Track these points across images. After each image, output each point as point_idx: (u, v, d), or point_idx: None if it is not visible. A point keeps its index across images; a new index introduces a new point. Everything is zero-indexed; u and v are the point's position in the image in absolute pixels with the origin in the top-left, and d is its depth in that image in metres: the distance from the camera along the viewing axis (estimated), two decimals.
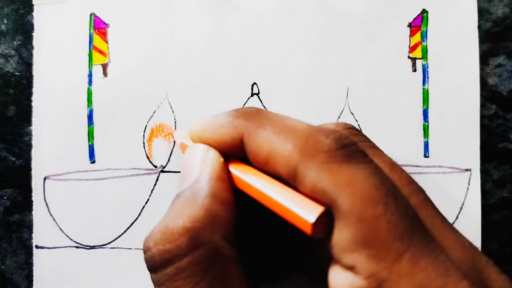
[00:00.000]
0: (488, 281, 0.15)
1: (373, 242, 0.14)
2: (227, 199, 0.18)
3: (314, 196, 0.15)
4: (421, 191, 0.17)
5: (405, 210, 0.15)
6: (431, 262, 0.14)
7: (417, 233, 0.14)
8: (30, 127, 0.33)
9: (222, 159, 0.19)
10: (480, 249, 0.33)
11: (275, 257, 0.22)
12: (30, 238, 0.34)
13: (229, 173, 0.19)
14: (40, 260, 0.33)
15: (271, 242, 0.22)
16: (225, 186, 0.18)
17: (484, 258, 0.16)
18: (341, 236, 0.14)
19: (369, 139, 0.20)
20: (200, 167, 0.18)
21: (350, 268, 0.14)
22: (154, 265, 0.16)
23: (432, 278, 0.14)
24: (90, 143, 0.33)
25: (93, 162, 0.33)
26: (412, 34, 0.33)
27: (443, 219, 0.17)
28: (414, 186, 0.17)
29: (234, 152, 0.18)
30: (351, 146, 0.16)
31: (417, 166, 0.33)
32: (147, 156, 0.33)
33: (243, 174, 0.18)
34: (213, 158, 0.19)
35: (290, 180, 0.16)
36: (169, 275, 0.16)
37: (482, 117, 0.33)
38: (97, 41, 0.33)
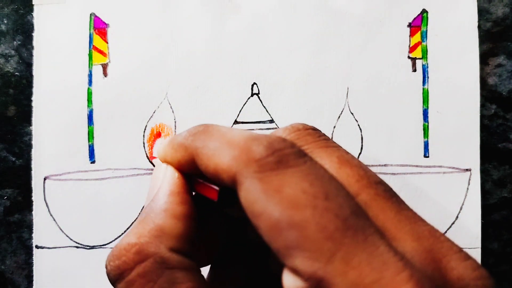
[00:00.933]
0: (447, 270, 0.15)
1: (305, 245, 0.14)
2: (178, 212, 0.19)
3: (246, 208, 0.16)
4: (376, 184, 0.17)
5: (338, 210, 0.15)
6: (366, 258, 0.14)
7: (350, 230, 0.14)
8: (30, 127, 0.33)
9: (177, 174, 0.20)
10: (480, 249, 0.33)
11: (243, 267, 0.23)
12: (30, 238, 0.34)
13: (190, 186, 0.20)
14: (40, 260, 0.33)
15: (239, 253, 0.23)
16: (178, 199, 0.19)
17: (446, 244, 0.16)
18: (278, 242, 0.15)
19: (321, 136, 0.20)
20: (159, 186, 0.20)
21: (294, 271, 0.15)
22: (111, 281, 0.18)
23: (366, 273, 0.14)
24: (90, 143, 0.33)
25: (93, 162, 0.33)
26: (412, 34, 0.33)
27: (400, 209, 0.17)
28: (365, 180, 0.17)
29: (194, 171, 0.19)
30: (283, 150, 0.16)
31: (417, 166, 0.33)
32: (147, 156, 0.33)
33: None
34: (169, 174, 0.20)
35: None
36: None
37: (482, 117, 0.33)
38: (97, 41, 0.33)
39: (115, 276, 0.18)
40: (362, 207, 0.16)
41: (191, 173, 0.20)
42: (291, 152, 0.16)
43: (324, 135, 0.20)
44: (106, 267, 0.18)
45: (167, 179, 0.20)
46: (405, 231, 0.16)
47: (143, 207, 0.33)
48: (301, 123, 0.20)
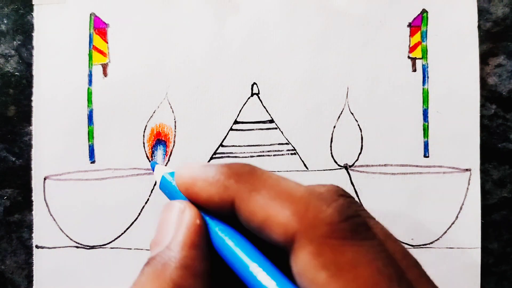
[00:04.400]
0: None
1: None
2: (199, 269, 0.17)
3: (306, 272, 0.14)
4: (416, 265, 0.17)
5: None
6: None
7: None
8: (30, 127, 0.33)
9: (198, 222, 0.18)
10: (480, 249, 0.33)
11: None
12: (30, 238, 0.34)
13: (206, 235, 0.18)
14: (40, 260, 0.33)
15: None
16: (199, 254, 0.17)
17: None
18: None
19: (360, 205, 0.19)
20: (174, 231, 0.18)
21: None
22: None
23: None
24: (90, 143, 0.33)
25: (93, 162, 0.33)
26: (412, 34, 0.33)
27: None
28: (410, 259, 0.17)
29: (222, 212, 0.17)
30: (354, 218, 0.15)
31: (417, 166, 0.33)
32: (147, 156, 0.33)
33: (227, 242, 0.17)
34: (189, 221, 0.18)
35: (286, 249, 0.15)
36: None
37: (482, 117, 0.33)
38: (97, 41, 0.33)
39: None
40: None
41: (217, 214, 0.17)
42: (361, 222, 0.15)
43: (358, 202, 0.18)
44: None
45: (186, 224, 0.17)
46: None
47: (142, 207, 0.33)
48: (338, 186, 0.18)
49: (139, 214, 0.33)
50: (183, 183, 0.18)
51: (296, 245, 0.15)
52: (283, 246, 0.15)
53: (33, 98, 0.33)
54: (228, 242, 0.17)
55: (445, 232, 0.33)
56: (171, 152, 0.33)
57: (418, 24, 0.33)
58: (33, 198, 0.33)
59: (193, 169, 0.18)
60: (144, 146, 0.33)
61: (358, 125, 0.33)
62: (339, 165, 0.33)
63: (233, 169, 0.17)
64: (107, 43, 0.33)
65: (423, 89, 0.33)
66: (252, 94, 0.33)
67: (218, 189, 0.17)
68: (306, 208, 0.15)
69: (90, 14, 0.33)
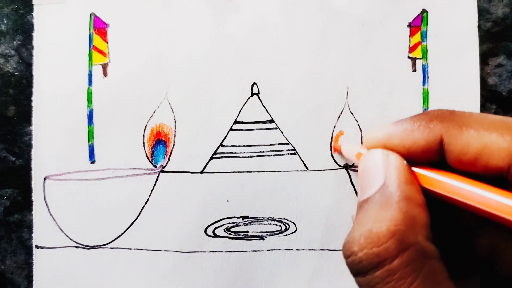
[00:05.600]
0: None
1: None
2: (420, 200, 0.18)
3: None
4: None
5: None
6: None
7: None
8: (30, 127, 0.34)
9: (405, 162, 0.20)
10: None
11: (462, 254, 0.22)
12: (30, 238, 0.34)
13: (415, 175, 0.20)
14: (40, 260, 0.33)
15: (457, 239, 0.22)
16: (416, 188, 0.19)
17: None
18: None
19: None
20: (384, 172, 0.19)
21: None
22: (362, 269, 0.17)
23: None
24: (90, 143, 0.33)
25: (93, 162, 0.33)
26: (412, 34, 0.33)
27: None
28: None
29: (426, 156, 0.19)
30: None
31: None
32: (147, 156, 0.33)
33: (439, 176, 0.19)
34: (397, 161, 0.20)
35: (504, 176, 0.17)
36: (381, 277, 0.17)
37: None
38: (97, 41, 0.33)
39: (372, 264, 0.17)
40: None
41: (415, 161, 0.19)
42: None
43: None
44: (353, 254, 0.17)
45: (395, 167, 0.19)
46: None
47: (142, 207, 0.33)
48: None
49: (139, 214, 0.33)
50: (378, 141, 0.21)
51: None
52: (501, 173, 0.16)
53: (33, 98, 0.33)
54: (442, 177, 0.18)
55: None
56: (171, 152, 0.33)
57: (418, 24, 0.33)
58: (33, 198, 0.33)
59: (383, 127, 0.21)
60: (144, 146, 0.33)
61: (358, 125, 0.33)
62: (339, 165, 0.33)
63: (432, 113, 0.19)
64: (107, 43, 0.33)
65: (423, 89, 0.33)
66: (252, 94, 0.33)
67: (422, 133, 0.19)
68: None
69: (90, 14, 0.33)
